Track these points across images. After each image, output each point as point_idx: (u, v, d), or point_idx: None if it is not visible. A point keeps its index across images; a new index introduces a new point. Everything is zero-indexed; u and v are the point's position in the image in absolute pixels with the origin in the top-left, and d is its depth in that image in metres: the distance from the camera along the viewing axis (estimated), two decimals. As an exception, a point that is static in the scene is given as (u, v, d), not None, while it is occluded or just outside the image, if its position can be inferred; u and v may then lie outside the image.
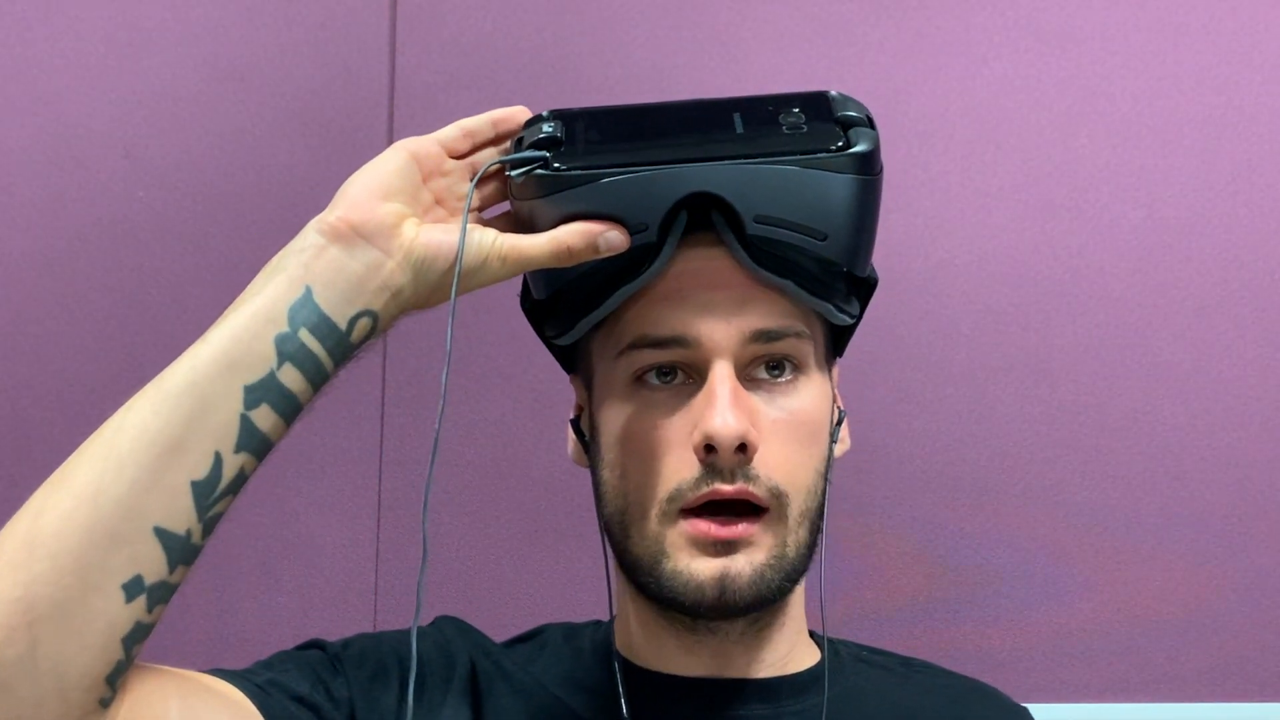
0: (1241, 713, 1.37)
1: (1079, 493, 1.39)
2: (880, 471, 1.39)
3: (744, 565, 0.82)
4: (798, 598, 0.91)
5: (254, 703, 0.80)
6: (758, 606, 0.84)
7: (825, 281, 0.85)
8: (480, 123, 0.85)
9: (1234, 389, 1.41)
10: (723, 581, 0.82)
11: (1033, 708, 0.98)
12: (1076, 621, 1.38)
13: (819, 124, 0.83)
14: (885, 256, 1.37)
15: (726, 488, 0.82)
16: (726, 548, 0.82)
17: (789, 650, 0.91)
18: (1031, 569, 1.39)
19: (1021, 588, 1.38)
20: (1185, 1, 1.43)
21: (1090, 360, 1.41)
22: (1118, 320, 1.41)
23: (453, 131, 0.83)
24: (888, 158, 0.85)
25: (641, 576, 0.84)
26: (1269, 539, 1.39)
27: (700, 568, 0.82)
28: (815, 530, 0.86)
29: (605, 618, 0.96)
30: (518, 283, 0.92)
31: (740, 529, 0.82)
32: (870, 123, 0.84)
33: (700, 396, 0.83)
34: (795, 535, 0.84)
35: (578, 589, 1.37)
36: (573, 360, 0.93)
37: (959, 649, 1.37)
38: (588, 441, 0.91)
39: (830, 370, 0.90)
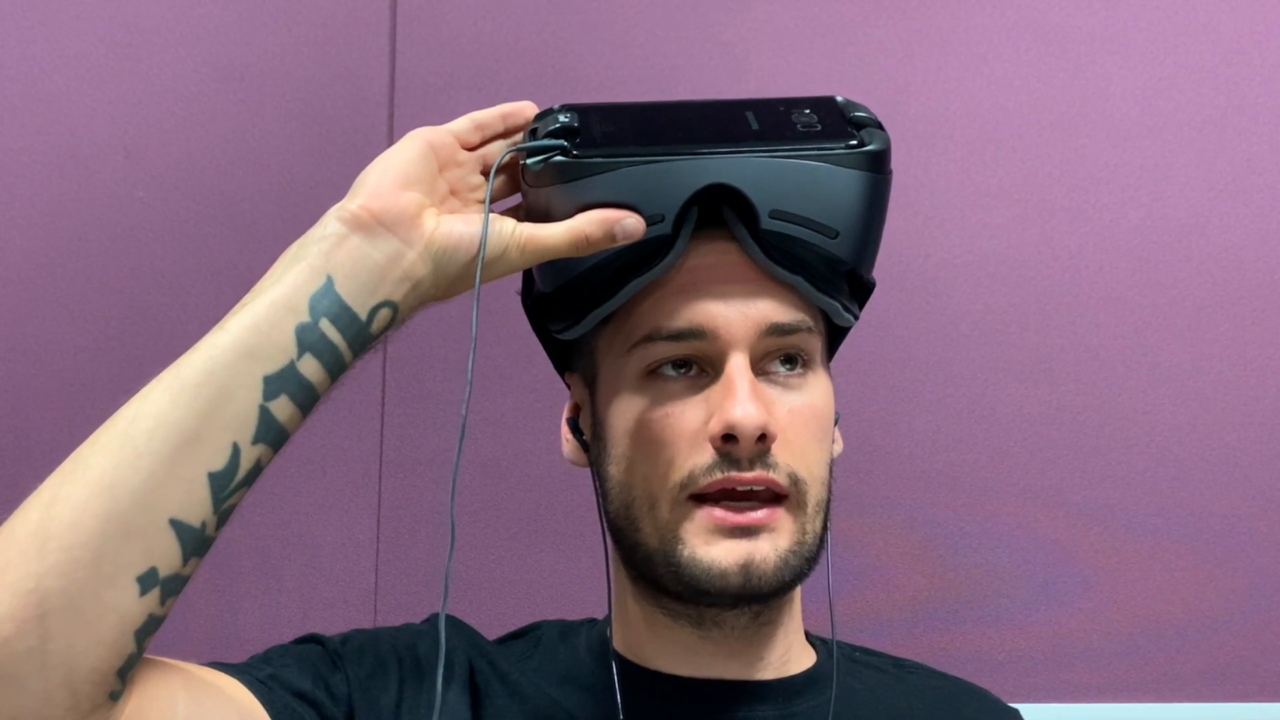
0: (1241, 713, 1.37)
1: (1079, 492, 1.39)
2: (880, 471, 1.39)
3: (768, 551, 0.81)
4: (798, 596, 0.91)
5: (257, 697, 0.79)
6: (780, 592, 0.83)
7: (832, 280, 0.85)
8: (490, 116, 0.85)
9: (1234, 389, 1.41)
10: (747, 567, 0.81)
11: (1033, 708, 0.98)
12: (1076, 621, 1.38)
13: (832, 123, 0.84)
14: (885, 256, 1.37)
15: (745, 475, 0.81)
16: (747, 532, 0.81)
17: (787, 651, 0.90)
18: (1031, 569, 1.39)
19: (1022, 588, 1.39)
20: (1185, 1, 1.44)
21: (1090, 360, 1.41)
22: (1118, 320, 1.41)
23: (464, 123, 0.83)
24: (888, 158, 0.85)
25: (658, 568, 0.83)
26: (1269, 539, 1.39)
27: (721, 553, 0.81)
28: (826, 525, 0.86)
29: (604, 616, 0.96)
30: (518, 280, 0.91)
31: (761, 515, 0.81)
32: (880, 125, 0.85)
33: (717, 387, 0.82)
34: (813, 524, 0.84)
35: (578, 588, 1.37)
36: (570, 357, 0.93)
37: (959, 649, 1.37)
38: (586, 440, 0.90)
39: (829, 372, 0.91)
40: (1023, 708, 1.00)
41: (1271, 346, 1.41)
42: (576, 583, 1.37)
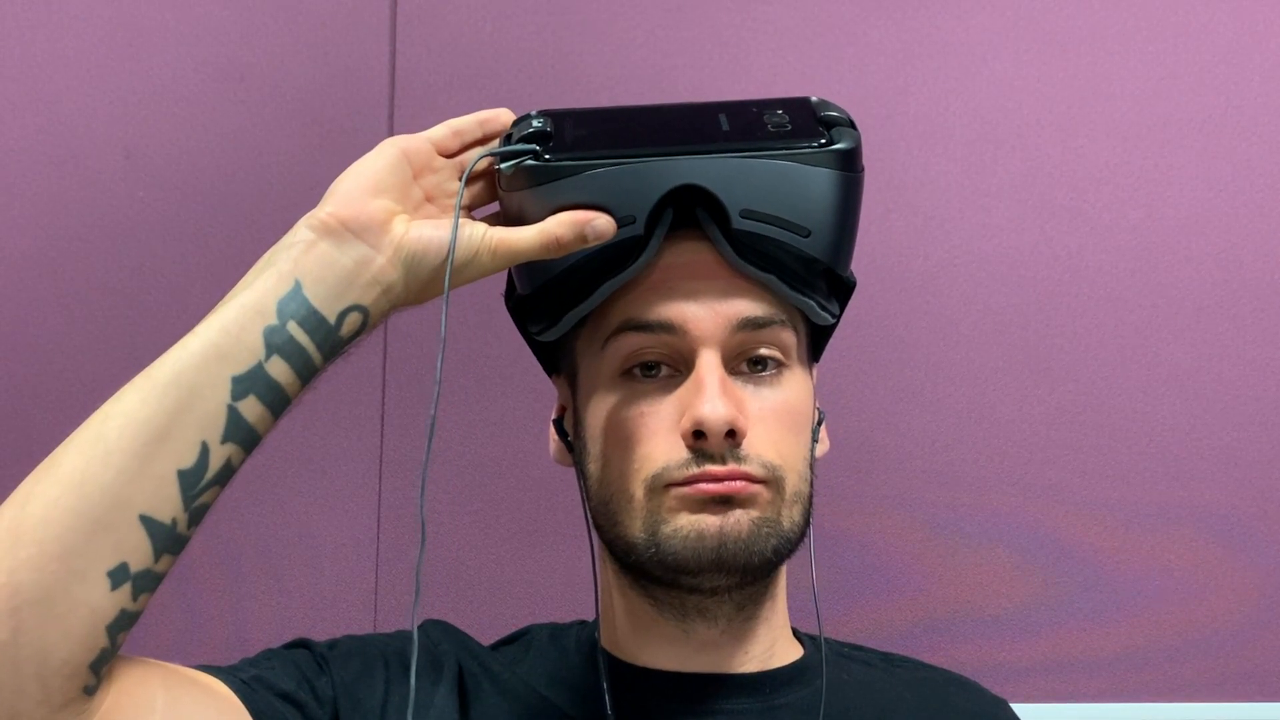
0: (1241, 713, 1.37)
1: (1079, 492, 1.39)
2: (880, 470, 1.39)
3: (743, 520, 0.82)
4: (783, 592, 0.92)
5: (239, 697, 0.80)
6: (752, 567, 0.84)
7: (807, 279, 0.86)
8: (468, 122, 0.86)
9: (1234, 389, 1.41)
10: (722, 531, 0.82)
11: (1033, 708, 0.98)
12: (1077, 621, 1.38)
13: (802, 123, 0.85)
14: (885, 256, 1.38)
15: (718, 469, 0.82)
16: (724, 504, 0.82)
17: (771, 645, 0.91)
18: (1032, 568, 1.39)
19: (1022, 587, 1.39)
20: (1185, 1, 1.44)
21: (1090, 360, 1.41)
22: (1118, 320, 1.41)
23: (442, 130, 0.85)
24: (887, 158, 0.86)
25: (640, 554, 0.84)
26: (1269, 539, 1.39)
27: (698, 522, 0.82)
28: (806, 518, 0.87)
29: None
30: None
31: (738, 484, 0.82)
32: (852, 124, 0.86)
33: (688, 385, 0.84)
34: (791, 512, 0.85)
35: (577, 588, 1.37)
36: (556, 359, 0.94)
37: (959, 648, 1.37)
38: (570, 441, 0.92)
39: (810, 370, 0.91)
40: (1023, 708, 1.01)
41: (1271, 346, 1.41)
42: (575, 583, 1.37)
